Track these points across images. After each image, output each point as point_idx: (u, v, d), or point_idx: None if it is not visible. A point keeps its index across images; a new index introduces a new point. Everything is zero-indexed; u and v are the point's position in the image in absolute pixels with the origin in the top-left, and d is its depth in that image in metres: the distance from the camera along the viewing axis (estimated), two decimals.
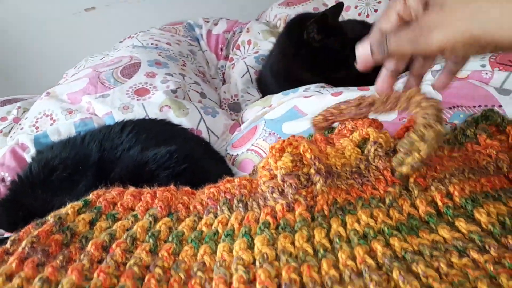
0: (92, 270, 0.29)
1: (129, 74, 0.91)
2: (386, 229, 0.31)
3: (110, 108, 0.80)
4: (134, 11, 1.60)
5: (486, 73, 0.62)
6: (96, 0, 1.58)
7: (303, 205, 0.34)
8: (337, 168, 0.38)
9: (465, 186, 0.34)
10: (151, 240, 0.32)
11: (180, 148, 0.55)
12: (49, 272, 0.28)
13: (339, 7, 0.84)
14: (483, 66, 0.64)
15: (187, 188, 0.40)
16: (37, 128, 0.80)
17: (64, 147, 0.60)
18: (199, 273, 0.28)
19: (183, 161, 0.53)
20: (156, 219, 0.36)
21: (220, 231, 0.34)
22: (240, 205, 0.36)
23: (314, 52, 0.83)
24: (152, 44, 1.18)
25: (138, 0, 1.60)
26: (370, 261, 0.28)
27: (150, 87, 0.87)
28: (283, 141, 0.39)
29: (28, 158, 0.69)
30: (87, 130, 0.68)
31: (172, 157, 0.53)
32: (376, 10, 1.24)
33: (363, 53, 0.36)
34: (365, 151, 0.39)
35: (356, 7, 1.27)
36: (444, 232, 0.30)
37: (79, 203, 0.36)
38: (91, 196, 0.37)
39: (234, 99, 1.03)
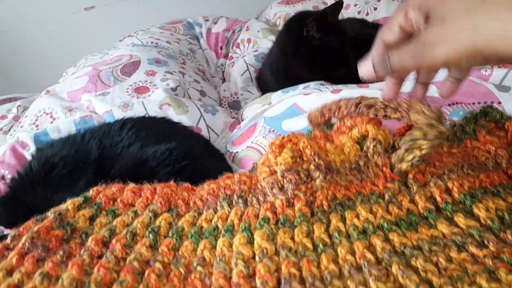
0: (92, 265, 0.29)
1: (129, 72, 0.92)
2: (385, 224, 0.31)
3: (110, 106, 0.80)
4: (133, 10, 1.60)
5: (486, 70, 0.62)
6: None
7: (302, 201, 0.34)
8: (336, 165, 0.38)
9: (464, 182, 0.34)
10: (151, 236, 0.33)
11: (180, 146, 0.56)
12: (49, 267, 0.28)
13: (338, 5, 0.84)
14: None
15: (187, 184, 0.40)
16: (37, 126, 0.80)
17: (64, 144, 0.60)
18: (199, 268, 0.29)
19: (183, 159, 0.53)
20: (156, 215, 0.36)
21: (220, 226, 0.34)
22: (240, 200, 0.36)
23: (313, 50, 0.83)
24: (152, 42, 1.18)
25: (138, 0, 1.60)
26: (369, 256, 0.28)
27: (150, 85, 0.87)
28: (283, 137, 0.39)
29: (28, 155, 0.69)
30: (87, 128, 0.68)
31: (172, 155, 0.53)
32: (375, 8, 1.25)
33: (366, 71, 0.36)
34: (364, 148, 0.39)
35: (355, 5, 1.27)
36: (443, 227, 0.30)
37: (79, 199, 0.36)
38: (91, 192, 0.37)
39: (234, 97, 1.03)
